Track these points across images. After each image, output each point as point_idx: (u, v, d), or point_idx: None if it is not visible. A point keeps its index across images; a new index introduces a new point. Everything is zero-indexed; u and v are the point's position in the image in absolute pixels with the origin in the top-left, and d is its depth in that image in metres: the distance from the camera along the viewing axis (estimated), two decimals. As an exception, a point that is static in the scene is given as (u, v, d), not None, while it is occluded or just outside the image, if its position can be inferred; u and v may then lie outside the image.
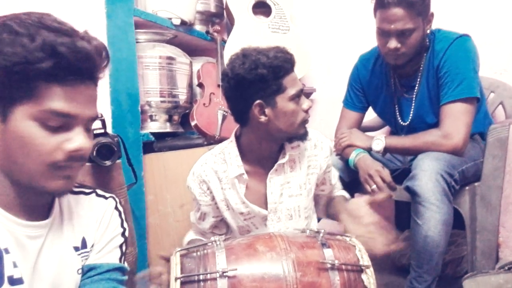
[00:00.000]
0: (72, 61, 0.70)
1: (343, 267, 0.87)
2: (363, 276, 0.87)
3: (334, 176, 1.45)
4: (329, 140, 1.40)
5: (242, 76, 1.15)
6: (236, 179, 1.27)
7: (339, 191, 1.49)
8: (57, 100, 0.70)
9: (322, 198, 1.48)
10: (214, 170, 1.29)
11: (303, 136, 1.27)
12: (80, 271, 0.84)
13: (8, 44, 0.67)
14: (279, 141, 1.28)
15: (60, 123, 0.71)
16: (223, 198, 1.31)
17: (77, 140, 0.73)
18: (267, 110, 1.18)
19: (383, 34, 1.49)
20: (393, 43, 1.47)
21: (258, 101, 1.18)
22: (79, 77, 0.72)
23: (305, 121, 1.25)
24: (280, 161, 1.27)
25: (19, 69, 0.67)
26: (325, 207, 1.48)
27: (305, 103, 1.23)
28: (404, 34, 1.45)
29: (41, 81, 0.69)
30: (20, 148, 0.70)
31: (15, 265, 0.73)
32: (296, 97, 1.20)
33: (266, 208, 1.29)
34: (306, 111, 1.23)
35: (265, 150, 1.28)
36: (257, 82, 1.15)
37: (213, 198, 1.32)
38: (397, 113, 1.68)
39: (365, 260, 0.89)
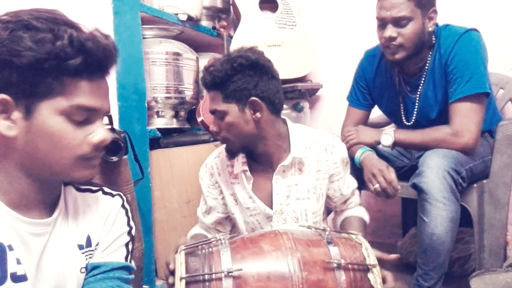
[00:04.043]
0: (99, 57, 0.72)
1: (349, 266, 0.86)
2: (370, 275, 0.87)
3: (349, 186, 1.40)
4: (343, 147, 1.36)
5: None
6: (242, 174, 1.28)
7: (355, 209, 1.43)
8: (84, 95, 0.72)
9: (334, 208, 1.45)
10: (226, 164, 1.32)
11: None
12: (83, 269, 0.83)
13: (33, 41, 0.67)
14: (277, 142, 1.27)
15: (84, 117, 0.74)
16: (232, 192, 1.32)
17: (99, 132, 0.76)
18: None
19: (381, 24, 1.47)
20: (388, 31, 1.45)
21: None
22: (102, 72, 0.76)
23: None
24: (283, 163, 1.25)
25: (49, 66, 0.68)
26: (334, 221, 1.45)
27: None
28: (399, 23, 1.43)
29: (68, 77, 0.71)
30: (49, 143, 0.72)
31: (18, 262, 0.73)
32: None
33: (272, 208, 1.28)
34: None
35: (265, 150, 1.27)
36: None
37: (221, 192, 1.34)
38: (402, 112, 1.65)
39: (372, 259, 0.88)
